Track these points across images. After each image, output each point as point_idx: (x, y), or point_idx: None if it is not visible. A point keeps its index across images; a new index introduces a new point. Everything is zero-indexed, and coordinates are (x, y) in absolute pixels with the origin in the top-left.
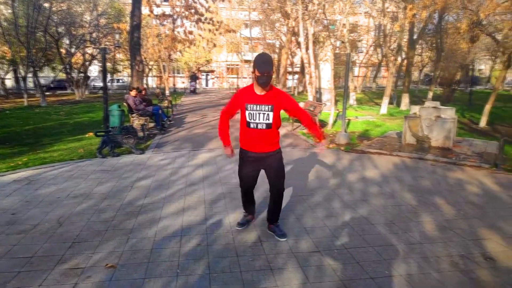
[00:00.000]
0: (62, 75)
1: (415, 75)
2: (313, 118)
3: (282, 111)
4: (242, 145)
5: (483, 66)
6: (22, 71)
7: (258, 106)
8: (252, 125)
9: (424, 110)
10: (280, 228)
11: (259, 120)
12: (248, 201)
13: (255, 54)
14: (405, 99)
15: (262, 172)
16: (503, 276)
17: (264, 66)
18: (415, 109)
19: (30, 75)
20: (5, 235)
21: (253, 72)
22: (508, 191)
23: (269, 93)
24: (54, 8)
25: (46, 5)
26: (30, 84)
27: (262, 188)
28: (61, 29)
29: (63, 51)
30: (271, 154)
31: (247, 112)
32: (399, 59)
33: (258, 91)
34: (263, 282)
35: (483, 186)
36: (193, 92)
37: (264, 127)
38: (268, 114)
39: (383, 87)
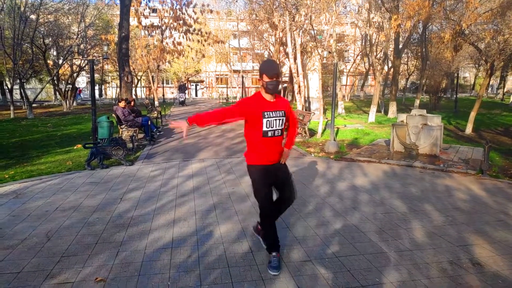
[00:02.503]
0: (50, 87)
1: (402, 83)
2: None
3: None
4: (257, 160)
5: (468, 74)
6: (8, 83)
7: (273, 112)
8: (270, 134)
9: (411, 118)
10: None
11: (276, 127)
12: (275, 230)
13: (244, 64)
14: (393, 107)
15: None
16: (490, 281)
17: (273, 70)
18: (402, 117)
19: (16, 87)
20: None
21: (260, 79)
22: (493, 197)
23: (278, 99)
24: (41, 20)
25: (33, 16)
26: (17, 96)
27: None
28: (48, 41)
29: (50, 62)
30: (281, 163)
31: (264, 121)
32: (386, 68)
33: (268, 98)
34: None
35: (470, 192)
36: (182, 103)
37: (279, 134)
38: (282, 120)
39: (370, 95)
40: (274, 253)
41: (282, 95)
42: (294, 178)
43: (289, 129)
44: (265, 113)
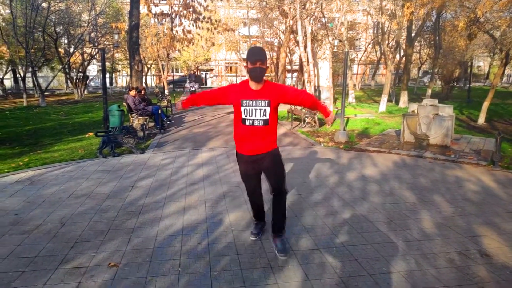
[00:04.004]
0: (61, 75)
1: (414, 72)
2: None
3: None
4: (239, 148)
5: (482, 63)
6: (21, 71)
7: (254, 101)
8: (248, 122)
9: (422, 108)
10: (284, 240)
11: (255, 116)
12: (258, 207)
13: None
14: (404, 97)
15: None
16: (498, 272)
17: (254, 56)
18: (413, 107)
19: (29, 75)
20: (9, 236)
21: (246, 66)
22: (504, 188)
23: (265, 87)
24: (52, 8)
25: (44, 4)
26: (29, 84)
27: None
28: (59, 29)
29: (61, 51)
30: (268, 154)
31: (242, 108)
32: (398, 56)
33: (253, 86)
34: (263, 280)
35: (480, 184)
36: (193, 93)
37: (261, 123)
38: (265, 110)
39: (382, 84)
40: (256, 221)
41: (294, 84)
42: (290, 168)
43: (312, 106)
44: (244, 101)
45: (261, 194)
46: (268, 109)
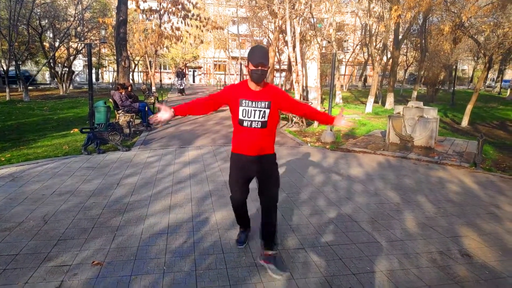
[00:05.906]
0: (46, 69)
1: (400, 74)
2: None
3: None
4: (236, 148)
5: (466, 67)
6: (4, 65)
7: (253, 102)
8: (245, 123)
9: (407, 110)
10: (277, 259)
11: (254, 118)
12: (242, 215)
13: (243, 51)
14: (390, 98)
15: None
16: (478, 271)
17: (257, 60)
18: (399, 108)
19: (12, 68)
20: None
21: (247, 66)
22: (485, 190)
23: (265, 89)
24: (37, 1)
25: None
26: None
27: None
28: (44, 23)
29: (46, 45)
30: (265, 156)
31: (240, 109)
32: (385, 58)
33: (253, 86)
34: (248, 279)
35: (462, 185)
36: (181, 92)
37: (259, 125)
38: (264, 112)
39: (368, 85)
40: (242, 229)
41: (282, 84)
42: (280, 167)
43: (312, 116)
44: (243, 101)
45: (245, 204)
46: (267, 111)
